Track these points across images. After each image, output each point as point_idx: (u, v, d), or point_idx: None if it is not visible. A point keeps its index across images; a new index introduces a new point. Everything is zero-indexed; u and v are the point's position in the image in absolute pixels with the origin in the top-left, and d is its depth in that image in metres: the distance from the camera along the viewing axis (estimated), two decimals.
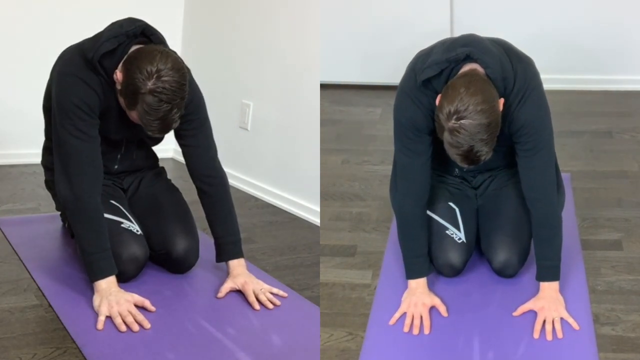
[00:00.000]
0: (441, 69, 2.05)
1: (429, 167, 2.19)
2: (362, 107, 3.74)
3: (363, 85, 3.94)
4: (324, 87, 3.41)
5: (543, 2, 3.75)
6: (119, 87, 2.15)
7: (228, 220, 2.42)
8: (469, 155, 1.96)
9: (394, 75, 3.69)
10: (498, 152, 2.07)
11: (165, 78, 2.03)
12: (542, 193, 2.17)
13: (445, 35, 3.60)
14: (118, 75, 2.13)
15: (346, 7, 3.82)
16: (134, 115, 2.13)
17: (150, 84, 2.03)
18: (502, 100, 2.02)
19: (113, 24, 2.20)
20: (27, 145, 3.58)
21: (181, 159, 4.03)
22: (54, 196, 2.59)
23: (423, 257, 2.25)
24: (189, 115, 2.27)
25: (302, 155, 3.30)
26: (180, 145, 2.41)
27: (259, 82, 3.56)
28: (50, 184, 2.59)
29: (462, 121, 1.91)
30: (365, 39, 3.84)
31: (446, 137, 1.96)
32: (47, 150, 2.53)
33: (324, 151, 3.24)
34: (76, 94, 2.17)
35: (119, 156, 2.48)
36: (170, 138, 2.51)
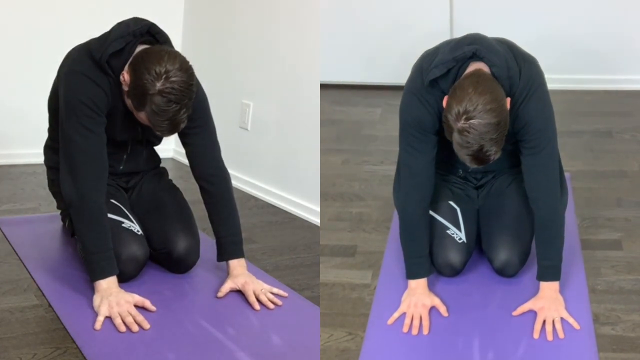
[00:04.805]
0: (448, 68, 2.05)
1: (433, 167, 2.19)
2: (362, 107, 3.74)
3: (363, 85, 3.95)
4: (324, 87, 3.41)
5: (543, 2, 3.75)
6: (126, 88, 2.16)
7: (230, 220, 2.42)
8: (478, 155, 1.96)
9: (394, 75, 3.72)
10: (503, 151, 2.07)
11: (174, 79, 2.04)
12: (545, 193, 2.17)
13: (445, 36, 3.60)
14: (125, 76, 2.14)
15: (346, 7, 3.82)
16: (142, 116, 2.14)
17: (159, 85, 2.04)
18: (509, 99, 2.02)
19: (120, 24, 2.21)
20: (27, 145, 3.58)
21: (181, 158, 4.06)
22: (56, 195, 2.59)
23: (424, 258, 2.25)
24: (193, 114, 2.27)
25: (302, 156, 3.30)
26: (184, 144, 2.41)
27: (259, 82, 3.56)
28: (52, 183, 2.59)
29: (471, 121, 1.91)
30: (365, 39, 3.85)
31: (455, 137, 1.96)
32: (50, 149, 2.54)
33: (324, 151, 3.24)
34: (84, 92, 2.18)
35: (125, 157, 2.49)
36: (170, 137, 2.51)
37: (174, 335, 2.09)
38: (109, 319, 2.11)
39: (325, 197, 2.91)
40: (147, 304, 2.20)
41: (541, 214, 2.18)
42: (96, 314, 2.12)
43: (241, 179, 3.62)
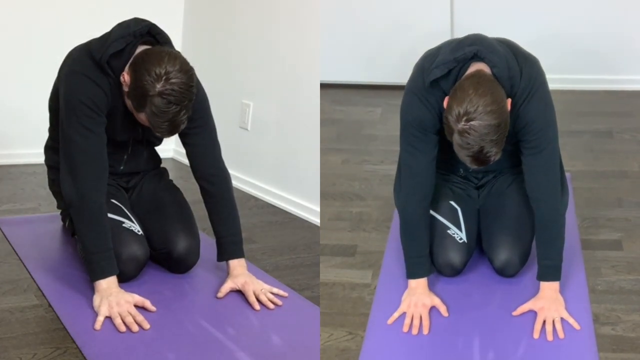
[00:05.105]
0: (449, 68, 2.05)
1: (434, 167, 2.20)
2: (362, 107, 3.74)
3: (363, 85, 3.95)
4: (324, 87, 3.41)
5: (543, 2, 3.75)
6: (126, 89, 2.16)
7: (230, 220, 2.42)
8: (479, 156, 1.96)
9: (394, 75, 3.72)
10: (504, 151, 2.08)
11: (174, 80, 2.04)
12: (546, 193, 2.17)
13: (445, 36, 3.60)
14: (125, 77, 2.14)
15: (346, 7, 3.82)
16: (142, 117, 2.14)
17: (159, 86, 2.04)
18: (509, 100, 2.02)
19: (120, 25, 2.21)
20: (27, 145, 3.58)
21: (181, 158, 4.06)
22: (56, 194, 2.59)
23: (424, 257, 2.25)
24: (193, 114, 2.27)
25: (302, 155, 3.30)
26: (184, 144, 2.41)
27: (259, 82, 3.56)
28: (52, 183, 2.60)
29: (471, 122, 1.91)
30: (365, 39, 3.85)
31: (456, 138, 1.96)
32: (50, 149, 2.54)
33: (324, 151, 3.24)
34: (84, 92, 2.18)
35: (125, 157, 2.49)
36: (170, 137, 2.51)
37: (174, 335, 2.09)
38: (109, 319, 2.11)
39: (325, 197, 2.91)
40: (147, 304, 2.20)
41: (541, 214, 2.18)
42: (96, 314, 2.12)
43: (241, 179, 3.62)
